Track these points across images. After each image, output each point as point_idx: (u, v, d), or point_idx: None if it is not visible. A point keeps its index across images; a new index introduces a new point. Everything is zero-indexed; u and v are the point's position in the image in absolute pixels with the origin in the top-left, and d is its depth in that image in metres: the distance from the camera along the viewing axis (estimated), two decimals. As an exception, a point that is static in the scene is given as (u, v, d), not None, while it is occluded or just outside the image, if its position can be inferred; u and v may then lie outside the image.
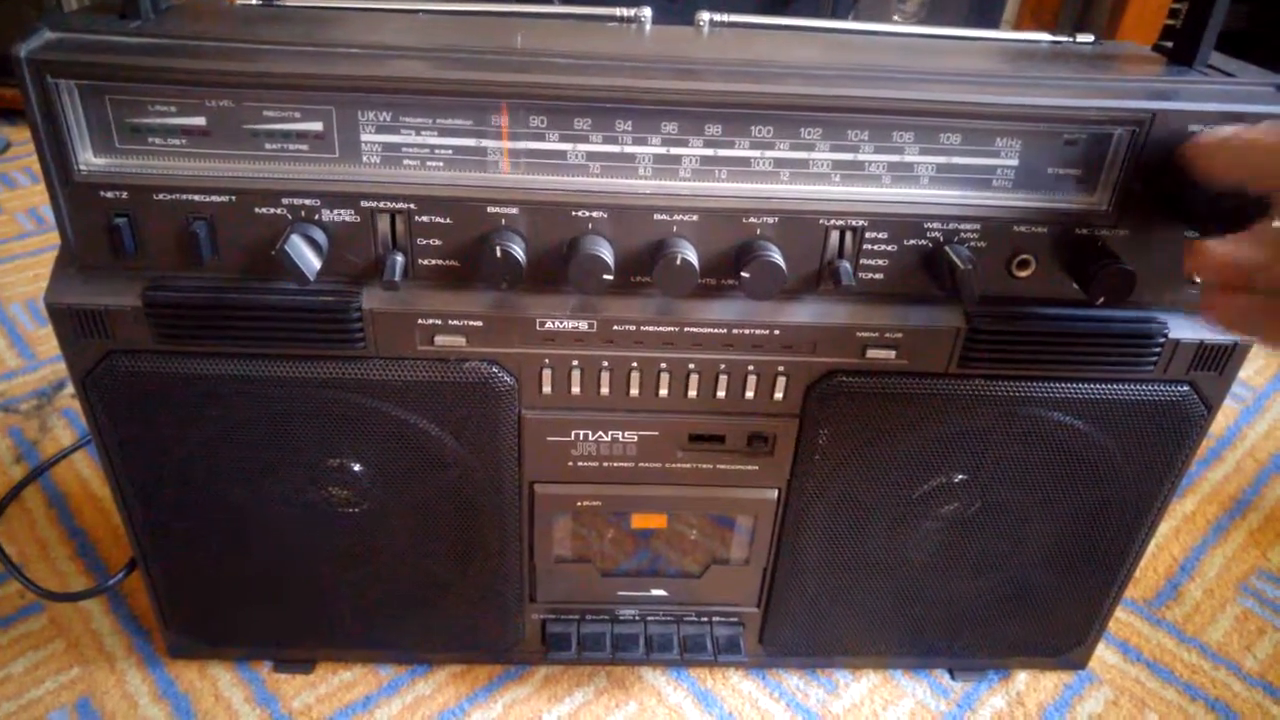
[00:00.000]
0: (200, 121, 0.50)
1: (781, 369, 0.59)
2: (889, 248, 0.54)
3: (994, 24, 1.48)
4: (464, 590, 0.68)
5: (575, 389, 0.59)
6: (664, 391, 0.59)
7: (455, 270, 0.55)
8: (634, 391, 0.59)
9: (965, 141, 0.52)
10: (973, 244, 0.54)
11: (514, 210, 0.52)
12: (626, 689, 0.76)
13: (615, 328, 0.57)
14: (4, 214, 1.43)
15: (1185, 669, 0.80)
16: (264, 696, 0.73)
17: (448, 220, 0.53)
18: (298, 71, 0.48)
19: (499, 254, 0.51)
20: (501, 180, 0.52)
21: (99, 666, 0.75)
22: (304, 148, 0.51)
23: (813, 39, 0.63)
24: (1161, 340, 0.57)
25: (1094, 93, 0.51)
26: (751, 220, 0.53)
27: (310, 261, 0.51)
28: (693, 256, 0.52)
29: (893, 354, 0.58)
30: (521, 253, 0.52)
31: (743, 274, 0.52)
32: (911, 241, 0.54)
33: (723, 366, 0.58)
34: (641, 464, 0.63)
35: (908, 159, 0.53)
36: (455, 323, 0.56)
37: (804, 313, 0.57)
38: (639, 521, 0.67)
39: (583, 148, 0.52)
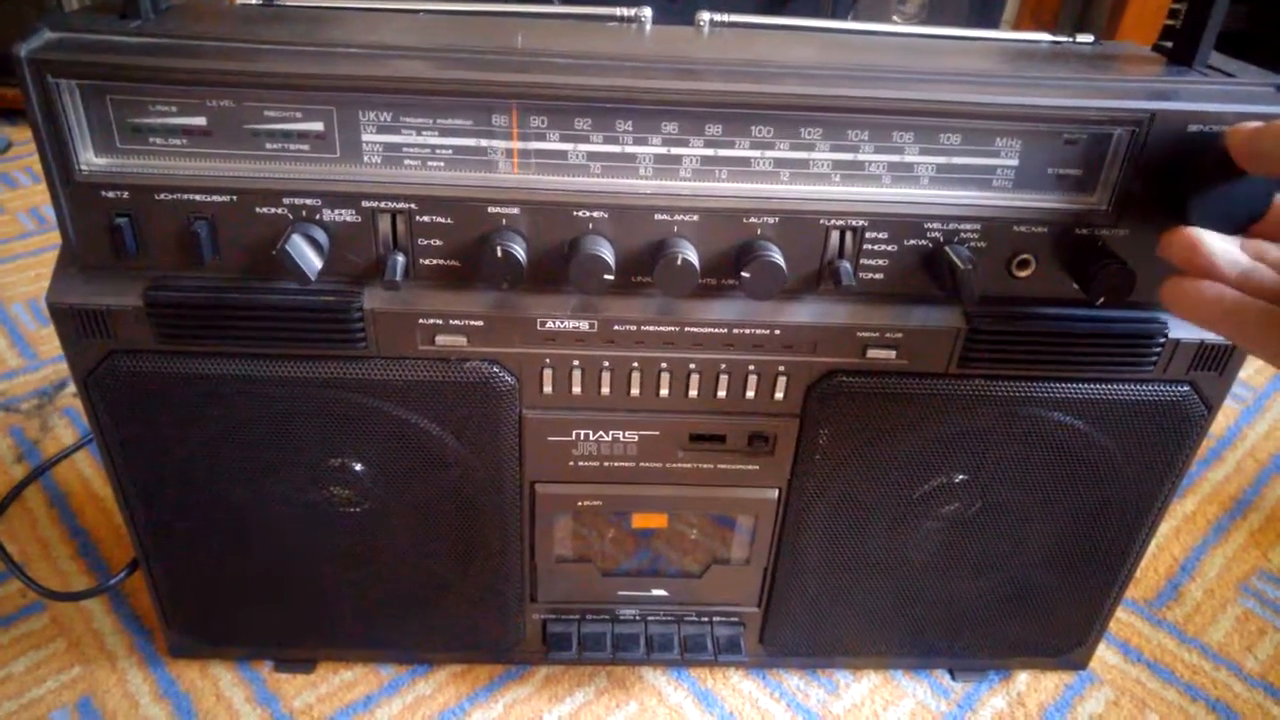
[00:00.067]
0: (201, 121, 0.50)
1: (782, 369, 0.59)
2: (889, 248, 0.55)
3: (994, 24, 1.48)
4: (465, 590, 0.68)
5: (576, 389, 0.59)
6: (665, 391, 0.59)
7: (456, 270, 0.55)
8: (635, 391, 0.59)
9: (965, 141, 0.52)
10: (973, 244, 0.54)
11: (515, 210, 0.53)
12: (627, 689, 0.76)
13: (616, 328, 0.57)
14: (5, 213, 1.43)
15: (1186, 669, 0.80)
16: (265, 696, 0.73)
17: (449, 220, 0.53)
18: (299, 71, 0.49)
19: (500, 254, 0.51)
20: (502, 180, 0.52)
21: (100, 666, 0.75)
22: (305, 148, 0.51)
23: (812, 39, 0.63)
24: (1162, 340, 0.57)
25: (1094, 93, 0.51)
26: (752, 220, 0.53)
27: (311, 261, 0.51)
28: (693, 256, 0.52)
29: (893, 354, 0.58)
30: (522, 253, 0.52)
31: (743, 274, 0.53)
32: (911, 241, 0.54)
33: (723, 366, 0.59)
34: (642, 464, 0.63)
35: (908, 159, 0.53)
36: (456, 322, 0.56)
37: (804, 313, 0.57)
38: (640, 521, 0.67)
39: (583, 148, 0.52)
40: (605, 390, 0.59)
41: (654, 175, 0.53)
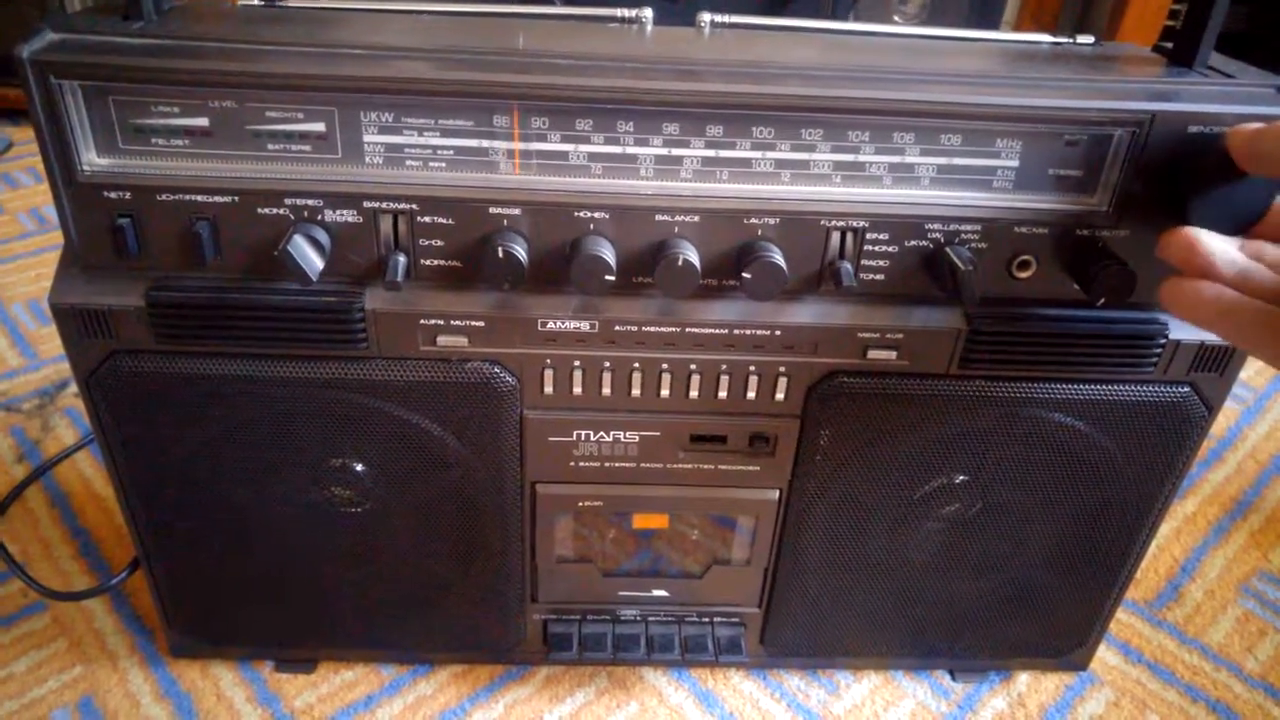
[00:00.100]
0: (203, 122, 0.50)
1: (783, 369, 0.59)
2: (890, 249, 0.55)
3: (994, 25, 1.48)
4: (466, 590, 0.68)
5: (577, 389, 0.59)
6: (665, 392, 0.59)
7: (457, 271, 0.55)
8: (635, 392, 0.59)
9: (966, 142, 0.52)
10: (973, 245, 0.54)
11: (516, 211, 0.53)
12: (628, 689, 0.76)
13: (617, 328, 0.57)
14: (6, 214, 1.43)
15: (1186, 670, 0.80)
16: (266, 696, 0.73)
17: (450, 221, 0.53)
18: (300, 72, 0.49)
19: (501, 255, 0.51)
20: (504, 181, 0.52)
21: (101, 665, 0.75)
22: (307, 148, 0.51)
23: (813, 40, 0.63)
24: (1162, 341, 0.57)
25: (1094, 94, 0.51)
26: (753, 221, 0.53)
27: (313, 262, 0.51)
28: (694, 257, 0.52)
29: (894, 355, 0.58)
30: (524, 253, 0.52)
31: (744, 275, 0.53)
32: (912, 242, 0.54)
33: (724, 367, 0.59)
34: (643, 464, 0.63)
35: (908, 160, 0.53)
36: (457, 323, 0.56)
37: (805, 313, 0.57)
38: (640, 522, 0.67)
39: (584, 148, 0.52)
40: (606, 391, 0.59)
41: (655, 176, 0.53)
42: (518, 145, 0.51)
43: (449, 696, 0.74)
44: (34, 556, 0.85)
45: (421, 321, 0.56)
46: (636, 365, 0.58)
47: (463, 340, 0.56)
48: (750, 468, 0.63)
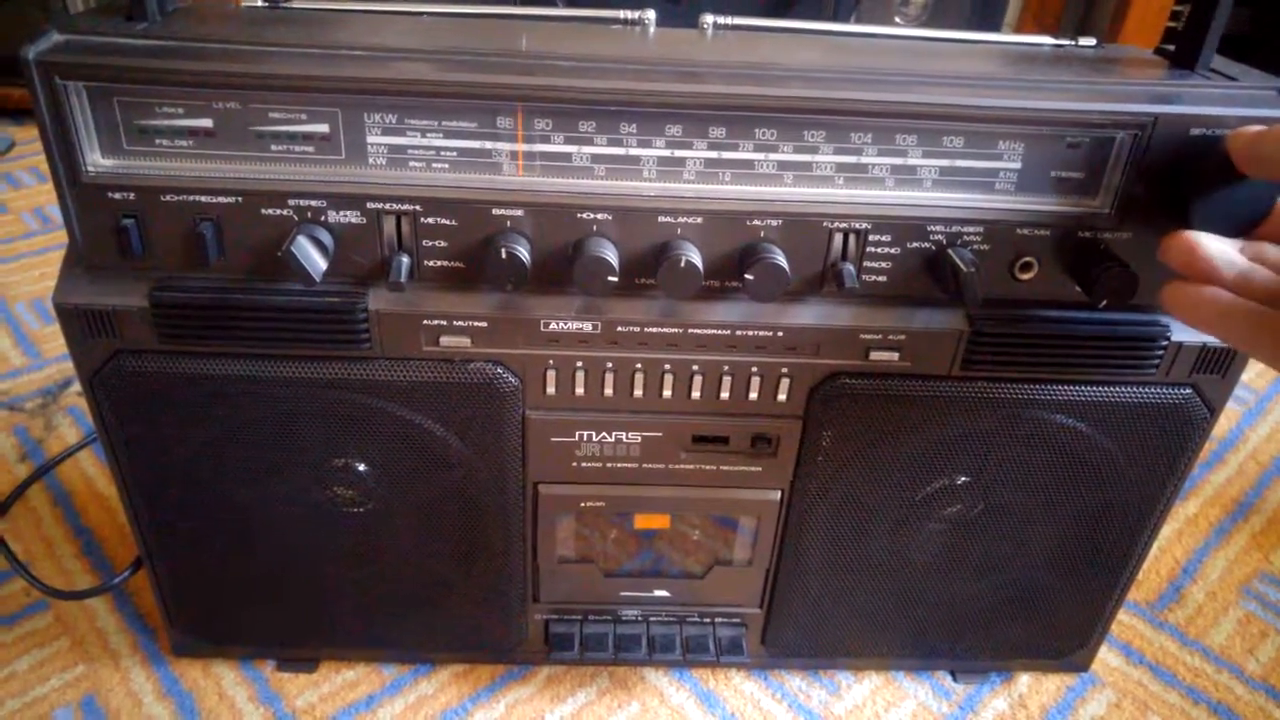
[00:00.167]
0: (207, 123, 0.50)
1: (785, 371, 0.59)
2: (892, 250, 0.55)
3: (996, 27, 1.48)
4: (467, 590, 0.68)
5: (579, 390, 0.59)
6: (668, 393, 0.60)
7: (460, 272, 0.55)
8: (638, 393, 0.60)
9: (968, 145, 0.52)
10: (976, 247, 0.54)
11: (519, 212, 0.53)
12: (629, 689, 0.76)
13: (619, 329, 0.57)
14: (9, 213, 1.43)
15: (1188, 672, 0.80)
16: (267, 695, 0.74)
17: (453, 222, 0.53)
18: (304, 73, 0.49)
19: (504, 255, 0.51)
20: (507, 182, 0.52)
21: (103, 664, 0.75)
22: (310, 149, 0.51)
23: (816, 42, 0.63)
24: (1164, 343, 0.57)
25: (1096, 96, 0.51)
26: (755, 222, 0.53)
27: (316, 263, 0.51)
28: (697, 258, 0.52)
29: (896, 356, 0.58)
30: (526, 254, 0.52)
31: (746, 276, 0.53)
32: (914, 244, 0.54)
33: (726, 368, 0.59)
34: (645, 465, 0.63)
35: (911, 162, 0.53)
36: (460, 324, 0.56)
37: (807, 315, 0.57)
38: (642, 522, 0.67)
39: (587, 150, 0.52)
40: (608, 391, 0.59)
41: (658, 177, 0.53)
42: (521, 147, 0.52)
43: (450, 696, 0.75)
44: (37, 555, 0.85)
45: (424, 322, 0.56)
46: (639, 366, 0.58)
47: (465, 341, 0.57)
48: (752, 468, 0.63)
